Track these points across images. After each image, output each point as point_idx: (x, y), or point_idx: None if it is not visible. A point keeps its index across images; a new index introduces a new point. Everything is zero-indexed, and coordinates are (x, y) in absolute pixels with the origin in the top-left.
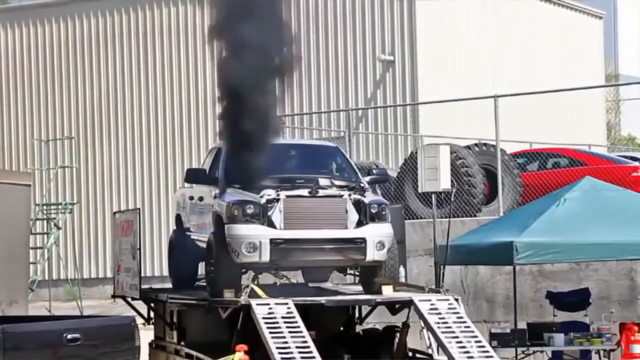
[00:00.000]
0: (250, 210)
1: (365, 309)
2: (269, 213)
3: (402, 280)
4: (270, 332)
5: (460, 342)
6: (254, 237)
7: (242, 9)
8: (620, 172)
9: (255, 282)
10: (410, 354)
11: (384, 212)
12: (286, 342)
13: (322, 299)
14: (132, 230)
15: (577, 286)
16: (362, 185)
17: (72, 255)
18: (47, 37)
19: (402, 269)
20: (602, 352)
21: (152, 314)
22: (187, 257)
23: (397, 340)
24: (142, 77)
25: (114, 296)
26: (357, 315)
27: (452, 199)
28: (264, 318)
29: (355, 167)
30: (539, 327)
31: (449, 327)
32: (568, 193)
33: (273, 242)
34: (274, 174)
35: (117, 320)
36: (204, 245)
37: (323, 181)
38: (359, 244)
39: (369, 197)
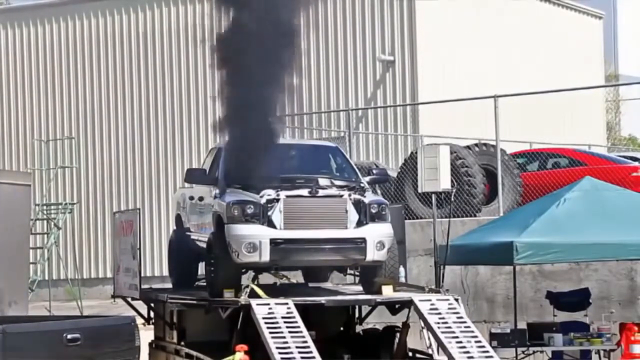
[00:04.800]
0: (250, 210)
1: (365, 309)
2: (269, 213)
3: (402, 280)
4: (270, 332)
5: (460, 342)
6: (254, 237)
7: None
8: (620, 172)
9: (255, 282)
10: (410, 354)
11: (384, 212)
12: (286, 342)
13: (322, 299)
14: (132, 230)
15: (577, 286)
16: (362, 185)
17: (72, 255)
18: (47, 37)
19: (402, 269)
20: (602, 352)
21: (152, 314)
22: (187, 257)
23: (397, 340)
24: (142, 77)
25: (114, 296)
26: (357, 315)
27: (452, 199)
28: (264, 318)
29: (355, 167)
30: (539, 327)
31: (449, 327)
32: (568, 193)
33: (273, 242)
34: (274, 174)
35: (117, 320)
36: (204, 245)
37: (323, 181)
38: (359, 244)
39: (369, 197)
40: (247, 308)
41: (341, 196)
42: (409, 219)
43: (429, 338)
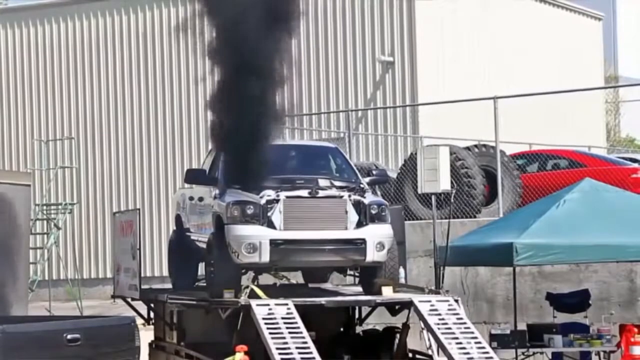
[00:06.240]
0: (250, 210)
1: (365, 310)
2: (269, 214)
3: (402, 281)
4: (270, 333)
5: (460, 343)
6: (254, 238)
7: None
8: (620, 174)
9: (255, 283)
10: (410, 354)
11: (383, 213)
12: (286, 343)
13: (322, 300)
14: (132, 231)
15: (577, 287)
16: (362, 186)
17: (72, 255)
18: (47, 37)
19: (402, 269)
20: (602, 354)
21: (152, 314)
22: (187, 257)
23: (397, 341)
24: (142, 77)
25: (113, 296)
26: (357, 316)
27: (452, 200)
28: (263, 319)
29: (355, 168)
30: (539, 328)
31: (449, 328)
32: (568, 194)
33: (273, 242)
34: (274, 174)
35: (117, 320)
36: (204, 245)
37: (323, 182)
38: (359, 244)
39: (368, 198)
40: (247, 309)
41: (341, 197)
42: (409, 219)
43: (428, 339)
